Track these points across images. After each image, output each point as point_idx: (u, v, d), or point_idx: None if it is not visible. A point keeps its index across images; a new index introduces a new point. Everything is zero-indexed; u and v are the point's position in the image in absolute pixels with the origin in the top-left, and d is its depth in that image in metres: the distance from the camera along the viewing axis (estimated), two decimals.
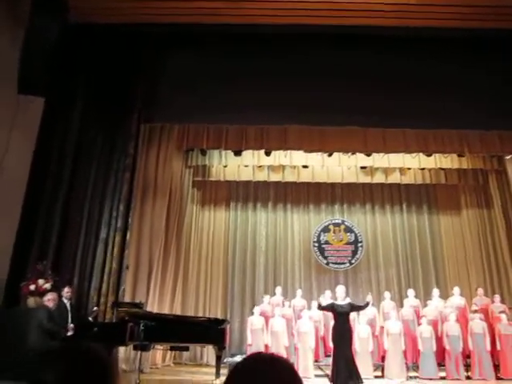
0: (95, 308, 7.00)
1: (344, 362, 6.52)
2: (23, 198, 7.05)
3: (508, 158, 9.83)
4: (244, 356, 1.10)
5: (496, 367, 8.04)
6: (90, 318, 6.81)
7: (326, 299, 7.78)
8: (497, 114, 7.86)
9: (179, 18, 7.63)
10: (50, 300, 5.94)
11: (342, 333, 6.74)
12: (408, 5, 7.27)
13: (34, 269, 6.68)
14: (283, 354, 8.05)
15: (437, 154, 9.90)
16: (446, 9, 7.37)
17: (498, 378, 7.87)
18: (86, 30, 7.81)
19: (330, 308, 6.93)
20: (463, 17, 7.53)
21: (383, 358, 8.25)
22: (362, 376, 6.65)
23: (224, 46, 8.08)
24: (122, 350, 7.37)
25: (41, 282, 6.43)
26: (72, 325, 6.20)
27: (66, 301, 6.46)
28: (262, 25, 7.68)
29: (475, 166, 10.42)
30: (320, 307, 7.31)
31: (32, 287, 6.39)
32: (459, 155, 9.90)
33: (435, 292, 9.30)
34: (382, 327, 8.67)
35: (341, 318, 6.80)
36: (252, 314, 8.60)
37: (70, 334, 5.89)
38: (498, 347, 8.05)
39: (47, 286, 6.42)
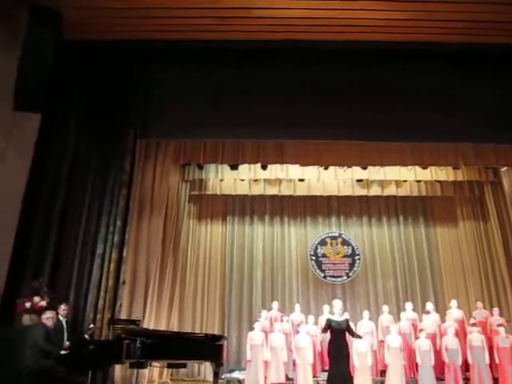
0: (91, 325, 6.92)
1: (341, 379, 6.46)
2: (19, 215, 7.01)
3: (503, 170, 9.89)
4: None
5: (495, 380, 8.00)
6: (86, 336, 6.74)
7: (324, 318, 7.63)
8: (492, 128, 7.91)
9: (175, 35, 7.67)
10: (49, 318, 5.89)
11: (339, 348, 6.69)
12: (401, 20, 7.35)
13: (30, 286, 6.62)
14: (282, 369, 8.00)
15: (432, 167, 9.94)
16: (436, 24, 7.42)
17: None
18: (81, 46, 7.82)
19: (327, 326, 6.88)
20: (458, 31, 7.59)
21: (381, 373, 8.19)
22: None
23: (220, 61, 8.12)
24: (118, 367, 7.29)
25: (36, 299, 6.38)
26: (68, 343, 6.13)
27: (62, 318, 6.39)
28: (258, 40, 7.73)
29: (471, 178, 10.44)
30: (323, 330, 7.23)
31: (27, 305, 6.33)
32: (454, 168, 9.95)
33: (429, 305, 9.25)
34: (381, 341, 8.62)
35: (337, 333, 6.75)
36: (252, 329, 8.52)
37: (65, 352, 5.80)
38: (497, 360, 8.01)
39: (43, 303, 6.37)
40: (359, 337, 7.33)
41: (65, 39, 7.42)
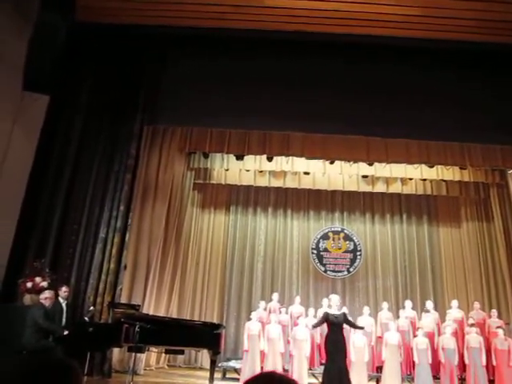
0: (91, 308, 6.98)
1: (337, 373, 6.45)
2: (23, 195, 7.05)
3: (510, 172, 9.81)
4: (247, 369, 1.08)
5: (491, 382, 8.00)
6: (86, 318, 6.79)
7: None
8: (500, 129, 7.86)
9: (185, 21, 7.65)
10: (47, 298, 5.93)
11: (336, 342, 6.67)
12: (413, 16, 7.30)
13: (32, 266, 6.67)
14: (279, 360, 8.03)
15: (439, 166, 9.89)
16: (448, 21, 7.40)
17: None
18: (93, 29, 7.83)
19: (324, 320, 6.86)
20: (468, 30, 7.55)
21: (378, 369, 8.21)
22: None
23: (229, 51, 8.10)
24: (116, 350, 7.35)
25: (38, 279, 6.44)
26: (64, 325, 6.18)
27: (62, 300, 6.43)
28: (269, 31, 7.71)
29: (477, 179, 10.39)
30: (313, 327, 7.27)
31: (29, 285, 6.39)
32: (461, 168, 9.89)
33: (429, 304, 9.24)
34: (379, 337, 8.64)
35: (334, 327, 6.73)
36: (249, 319, 8.56)
37: (64, 333, 5.85)
38: (494, 362, 8.00)
39: (44, 283, 6.42)
40: (361, 328, 7.32)
41: (77, 22, 7.41)
